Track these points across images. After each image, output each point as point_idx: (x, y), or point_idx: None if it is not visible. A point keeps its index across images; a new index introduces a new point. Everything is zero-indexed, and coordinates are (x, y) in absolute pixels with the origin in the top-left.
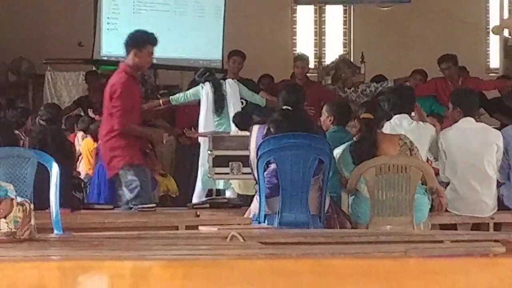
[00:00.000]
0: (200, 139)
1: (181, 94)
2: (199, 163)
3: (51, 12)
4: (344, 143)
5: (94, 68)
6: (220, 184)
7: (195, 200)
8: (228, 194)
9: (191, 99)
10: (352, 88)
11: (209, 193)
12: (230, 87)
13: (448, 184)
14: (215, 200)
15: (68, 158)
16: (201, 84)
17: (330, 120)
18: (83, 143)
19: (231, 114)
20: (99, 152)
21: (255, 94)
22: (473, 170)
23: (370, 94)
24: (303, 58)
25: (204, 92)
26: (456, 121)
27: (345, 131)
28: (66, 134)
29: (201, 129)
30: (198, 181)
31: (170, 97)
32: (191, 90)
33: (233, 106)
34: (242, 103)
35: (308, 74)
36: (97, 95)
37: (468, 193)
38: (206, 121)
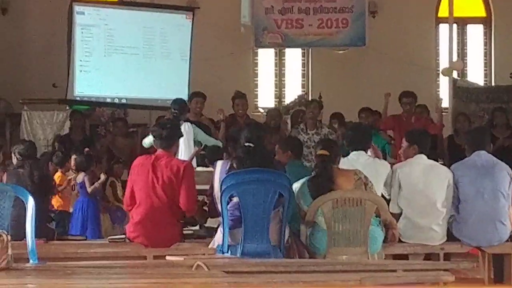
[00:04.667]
0: None
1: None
2: None
3: (27, 56)
4: (302, 175)
5: (67, 108)
6: None
7: None
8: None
9: None
10: (314, 130)
11: None
12: (186, 129)
13: (400, 215)
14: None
15: (44, 192)
16: None
17: (288, 156)
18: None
19: (179, 153)
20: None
21: (209, 137)
22: (424, 202)
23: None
24: (241, 96)
25: None
26: (410, 157)
27: (302, 165)
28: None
29: None
30: None
31: (143, 141)
32: None
33: (184, 147)
34: (200, 144)
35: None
36: (78, 132)
37: (419, 222)
38: None
